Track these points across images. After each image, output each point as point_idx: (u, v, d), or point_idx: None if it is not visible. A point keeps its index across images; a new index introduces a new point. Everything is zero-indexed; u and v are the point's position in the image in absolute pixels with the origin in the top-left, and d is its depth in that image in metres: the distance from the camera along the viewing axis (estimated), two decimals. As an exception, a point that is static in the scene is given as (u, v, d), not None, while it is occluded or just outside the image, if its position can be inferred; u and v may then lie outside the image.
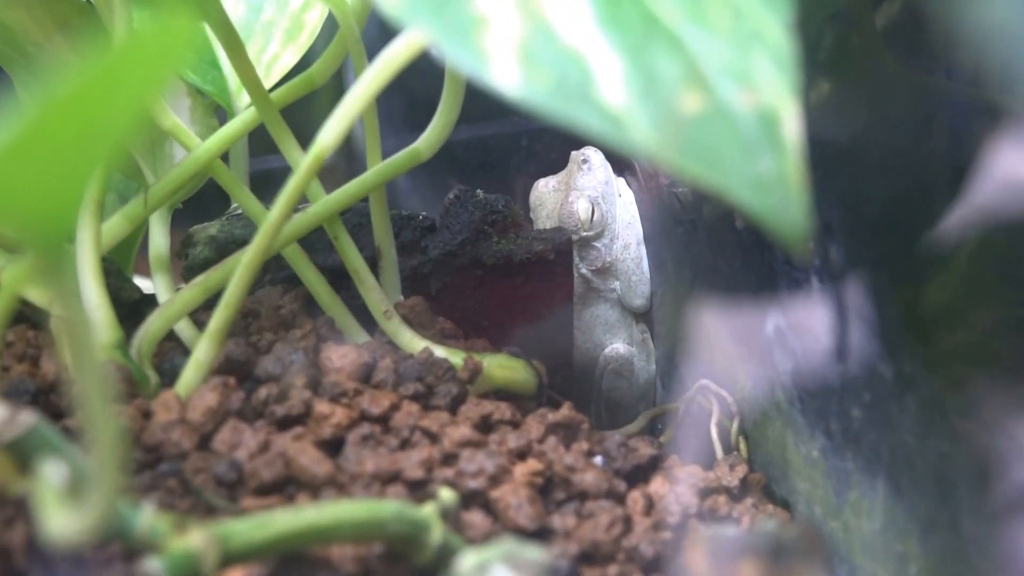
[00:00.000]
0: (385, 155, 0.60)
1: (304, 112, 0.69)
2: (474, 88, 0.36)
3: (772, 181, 0.34)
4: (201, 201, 0.68)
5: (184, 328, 0.59)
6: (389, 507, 0.45)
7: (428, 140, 0.58)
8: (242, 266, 0.52)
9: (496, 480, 0.51)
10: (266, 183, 0.68)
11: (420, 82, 0.62)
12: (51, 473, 0.39)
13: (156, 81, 0.31)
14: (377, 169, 0.59)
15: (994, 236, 0.43)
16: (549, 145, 0.83)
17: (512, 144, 0.89)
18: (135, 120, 0.31)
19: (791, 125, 0.35)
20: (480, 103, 0.41)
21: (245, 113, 0.60)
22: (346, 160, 1.05)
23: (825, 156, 0.49)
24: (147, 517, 0.40)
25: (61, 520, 0.38)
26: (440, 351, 0.58)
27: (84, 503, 0.38)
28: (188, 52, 0.63)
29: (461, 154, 0.92)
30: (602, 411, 0.72)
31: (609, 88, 0.35)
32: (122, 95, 0.29)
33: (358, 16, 0.60)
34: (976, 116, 0.43)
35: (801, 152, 0.35)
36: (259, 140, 0.64)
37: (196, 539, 0.40)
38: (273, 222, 0.51)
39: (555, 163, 0.74)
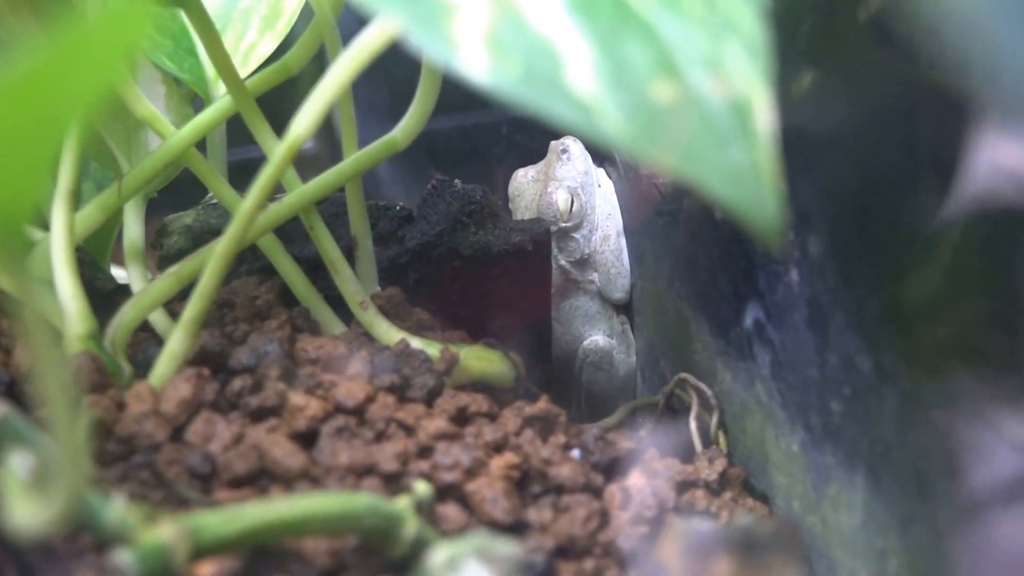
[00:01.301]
0: (368, 144, 0.59)
1: (287, 101, 0.69)
2: (453, 77, 0.36)
3: (744, 171, 0.34)
4: (178, 190, 0.68)
5: (158, 318, 0.59)
6: (363, 500, 0.45)
7: (405, 129, 0.58)
8: (216, 256, 0.52)
9: (472, 473, 0.51)
10: (248, 173, 0.68)
11: (403, 71, 0.61)
12: (16, 463, 0.39)
13: (115, 61, 0.30)
14: (353, 158, 0.58)
15: (976, 228, 0.43)
16: (530, 135, 0.83)
17: (493, 134, 0.88)
18: (94, 103, 0.30)
19: (763, 115, 0.35)
20: (460, 92, 0.41)
21: (220, 101, 0.59)
22: (329, 149, 1.05)
23: (804, 146, 0.49)
24: (117, 509, 0.40)
25: (25, 510, 0.38)
26: (416, 342, 0.58)
27: (49, 493, 0.38)
28: (163, 39, 0.62)
29: (441, 144, 0.92)
30: (582, 404, 0.71)
31: (579, 76, 0.35)
32: (79, 76, 0.29)
33: (333, 3, 0.59)
34: (959, 106, 0.43)
35: (774, 142, 0.35)
36: (242, 130, 0.63)
37: (167, 531, 0.40)
38: (246, 211, 0.51)
39: (536, 153, 0.74)
